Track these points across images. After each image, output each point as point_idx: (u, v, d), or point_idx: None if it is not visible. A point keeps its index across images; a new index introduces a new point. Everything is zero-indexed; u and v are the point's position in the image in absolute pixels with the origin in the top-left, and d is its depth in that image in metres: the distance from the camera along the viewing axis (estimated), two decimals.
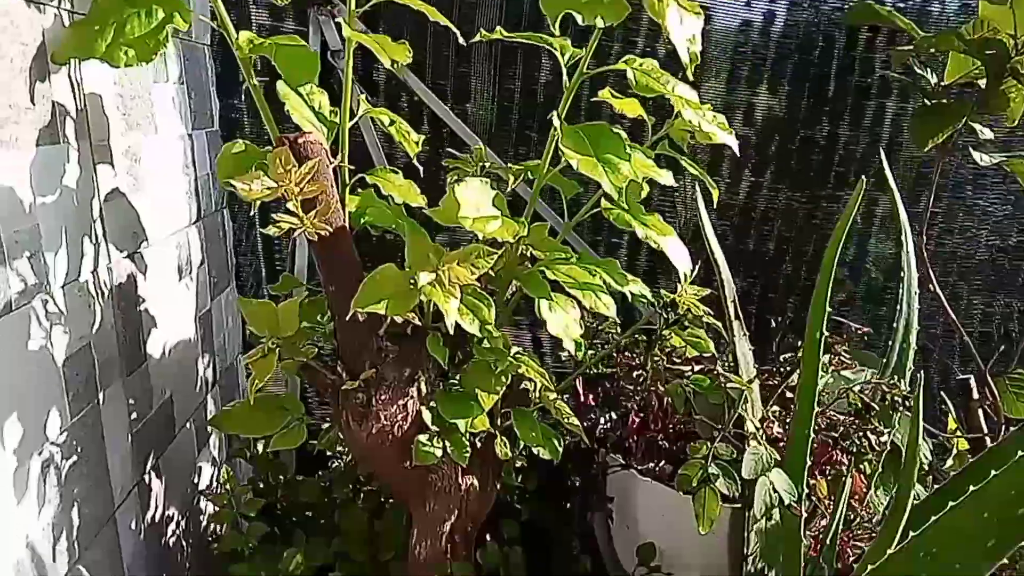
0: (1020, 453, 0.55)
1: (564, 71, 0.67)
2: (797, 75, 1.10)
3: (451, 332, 0.60)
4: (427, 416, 0.69)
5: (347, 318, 0.65)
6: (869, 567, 0.63)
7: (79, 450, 0.65)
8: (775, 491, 0.63)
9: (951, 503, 0.58)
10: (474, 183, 0.64)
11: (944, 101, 0.99)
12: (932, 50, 0.97)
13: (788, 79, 1.10)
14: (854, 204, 0.69)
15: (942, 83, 1.02)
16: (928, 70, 1.03)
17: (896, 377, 0.78)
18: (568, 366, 1.03)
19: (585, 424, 0.85)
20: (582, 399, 0.83)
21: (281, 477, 0.89)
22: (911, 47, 1.00)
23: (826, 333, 0.66)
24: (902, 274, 0.82)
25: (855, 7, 1.08)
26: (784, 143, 1.12)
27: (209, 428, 0.98)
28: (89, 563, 0.66)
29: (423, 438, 0.69)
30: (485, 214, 0.64)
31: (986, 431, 0.94)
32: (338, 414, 0.70)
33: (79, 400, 0.65)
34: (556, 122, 0.63)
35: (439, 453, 0.69)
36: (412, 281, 0.61)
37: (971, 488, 0.57)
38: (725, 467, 0.65)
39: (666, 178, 0.69)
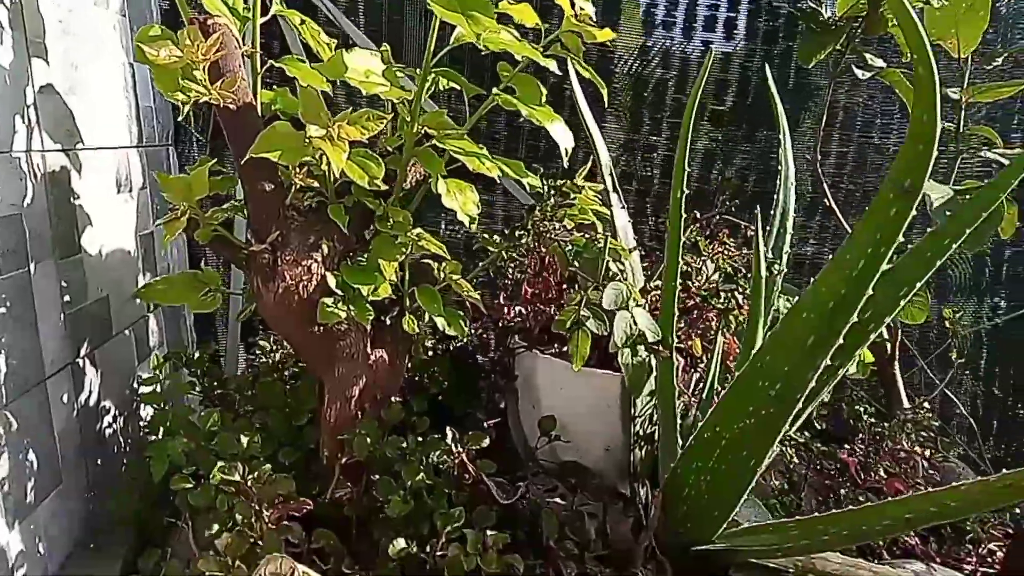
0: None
1: None
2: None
3: (337, 177, 0.67)
4: (331, 280, 0.76)
5: (257, 189, 0.72)
6: (726, 389, 0.69)
7: (8, 304, 0.71)
8: (635, 324, 0.69)
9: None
10: (363, 52, 0.71)
11: (829, 26, 1.09)
12: None
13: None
14: (698, 88, 0.75)
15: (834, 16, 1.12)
16: (822, 5, 1.13)
17: (774, 255, 0.85)
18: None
19: (492, 316, 0.92)
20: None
21: (215, 380, 0.95)
22: None
23: (686, 191, 0.72)
24: (780, 168, 0.89)
25: None
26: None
27: (151, 344, 1.04)
28: (16, 411, 0.72)
29: (328, 300, 0.75)
30: (374, 81, 0.71)
31: None
32: (250, 280, 0.76)
33: (8, 261, 0.72)
34: None
35: (342, 314, 0.75)
36: (307, 138, 0.68)
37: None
38: (595, 310, 0.71)
39: (541, 60, 0.76)
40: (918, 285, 0.67)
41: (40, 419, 0.77)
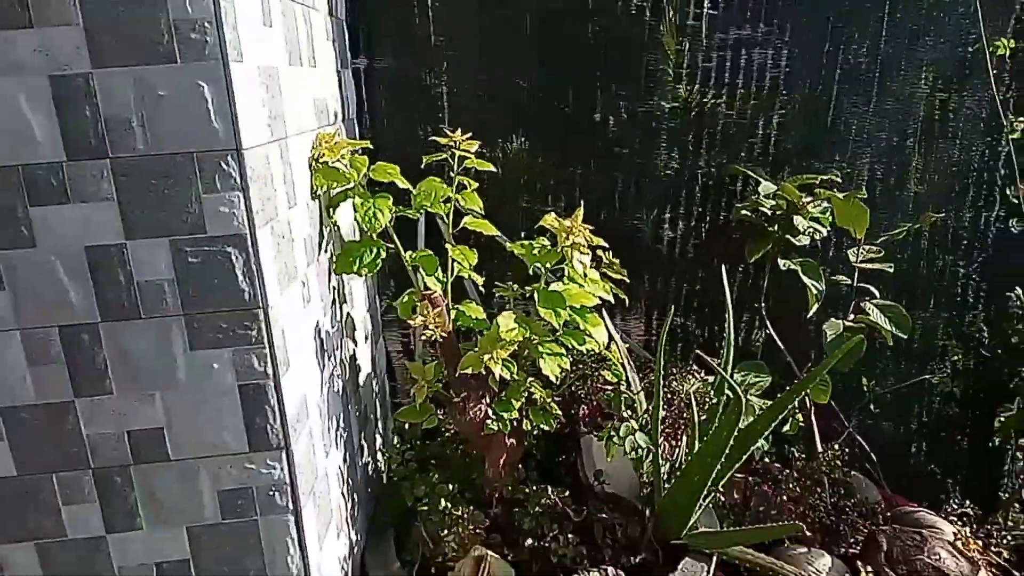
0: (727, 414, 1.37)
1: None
2: None
3: (498, 378, 1.46)
4: (491, 413, 1.55)
5: (456, 374, 1.51)
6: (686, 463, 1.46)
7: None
8: (636, 439, 1.46)
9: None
10: (508, 315, 1.49)
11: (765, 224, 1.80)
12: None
13: None
14: None
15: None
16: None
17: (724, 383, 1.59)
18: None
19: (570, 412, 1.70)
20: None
21: (419, 441, 1.77)
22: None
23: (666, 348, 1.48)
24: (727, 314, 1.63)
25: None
26: None
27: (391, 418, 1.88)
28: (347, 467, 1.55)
29: (489, 422, 1.55)
30: (511, 328, 1.49)
31: None
32: (451, 412, 1.57)
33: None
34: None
35: (496, 428, 1.54)
36: (481, 358, 1.46)
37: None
38: (620, 429, 1.48)
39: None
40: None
41: (369, 447, 1.60)
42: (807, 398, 1.85)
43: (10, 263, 1.04)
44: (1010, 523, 2.01)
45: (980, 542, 1.77)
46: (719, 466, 1.41)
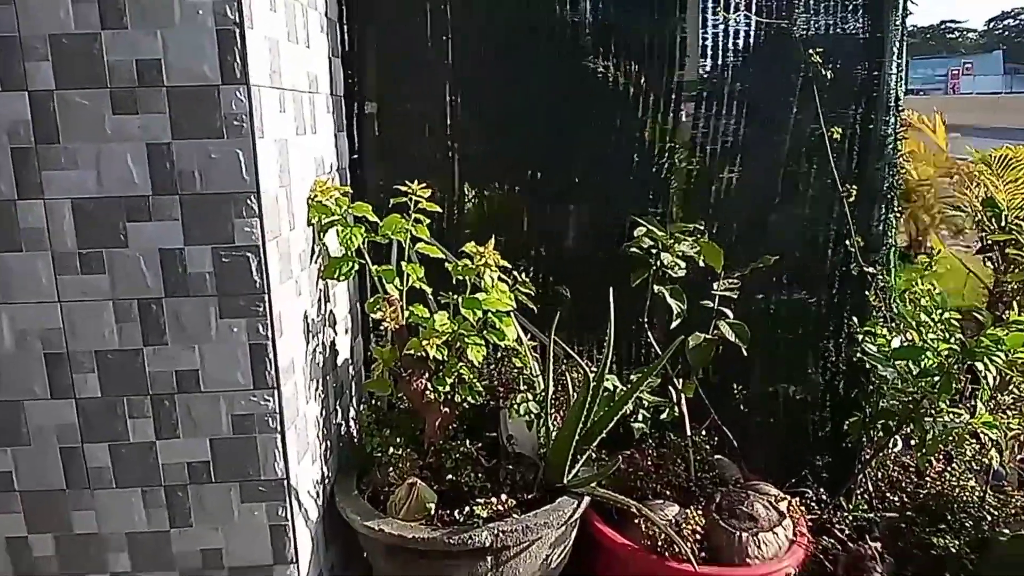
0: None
1: None
2: None
3: (434, 358, 2.05)
4: (429, 386, 2.13)
5: (401, 354, 2.10)
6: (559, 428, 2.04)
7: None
8: (531, 410, 2.04)
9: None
10: (443, 314, 2.08)
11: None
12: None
13: None
14: None
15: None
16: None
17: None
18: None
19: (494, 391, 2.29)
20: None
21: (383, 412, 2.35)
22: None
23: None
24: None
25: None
26: None
27: (359, 388, 2.47)
28: (337, 407, 2.14)
29: (428, 392, 2.13)
30: (444, 323, 2.08)
31: None
32: (401, 385, 2.15)
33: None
34: None
35: (432, 397, 2.12)
36: (422, 343, 2.05)
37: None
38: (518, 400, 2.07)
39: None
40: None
41: (343, 413, 2.19)
42: (682, 393, 2.42)
43: (111, 257, 1.66)
44: (852, 507, 2.56)
45: (803, 507, 2.32)
46: (583, 427, 1.98)
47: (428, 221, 2.15)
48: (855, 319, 2.56)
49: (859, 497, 2.61)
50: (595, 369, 2.24)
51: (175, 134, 1.61)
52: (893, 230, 2.59)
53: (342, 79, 2.46)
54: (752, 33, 2.51)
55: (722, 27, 2.49)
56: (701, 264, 2.40)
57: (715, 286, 2.40)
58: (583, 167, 2.56)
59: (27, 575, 1.81)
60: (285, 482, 1.79)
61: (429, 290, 2.22)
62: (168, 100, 1.60)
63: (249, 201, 1.65)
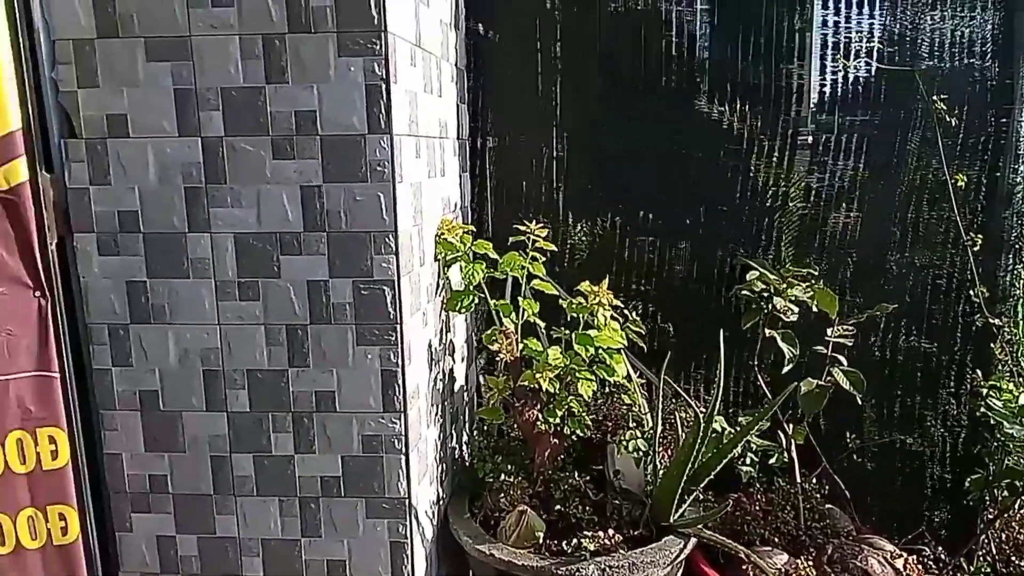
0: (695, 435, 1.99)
1: None
2: None
3: (546, 391, 2.13)
4: (540, 416, 2.22)
5: (515, 385, 2.20)
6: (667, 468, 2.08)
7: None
8: (640, 447, 2.08)
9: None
10: (556, 349, 2.17)
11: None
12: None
13: None
14: None
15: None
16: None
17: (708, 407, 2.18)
18: None
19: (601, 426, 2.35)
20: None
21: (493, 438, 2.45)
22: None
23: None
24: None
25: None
26: None
27: (470, 414, 2.58)
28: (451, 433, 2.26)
29: (539, 423, 2.21)
30: (557, 357, 2.17)
31: None
32: (513, 414, 2.25)
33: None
34: None
35: (543, 428, 2.20)
36: (535, 375, 2.14)
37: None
38: (627, 437, 2.11)
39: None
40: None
41: (456, 438, 2.31)
42: (792, 438, 2.40)
43: (265, 286, 1.84)
44: (973, 569, 2.45)
45: (921, 566, 2.24)
46: (691, 467, 2.01)
47: (544, 259, 2.26)
48: (978, 372, 2.47)
49: (981, 559, 2.49)
50: (703, 409, 2.27)
51: (325, 178, 1.79)
52: (1021, 281, 2.49)
53: (467, 124, 2.62)
54: (872, 78, 2.50)
55: (841, 73, 2.49)
56: (814, 310, 2.40)
57: (829, 332, 2.38)
58: (693, 208, 2.61)
59: (171, 572, 2.00)
60: (407, 501, 1.91)
61: (542, 324, 2.32)
62: (321, 147, 1.78)
63: (387, 239, 1.80)
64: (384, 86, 1.73)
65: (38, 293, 1.77)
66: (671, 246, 2.67)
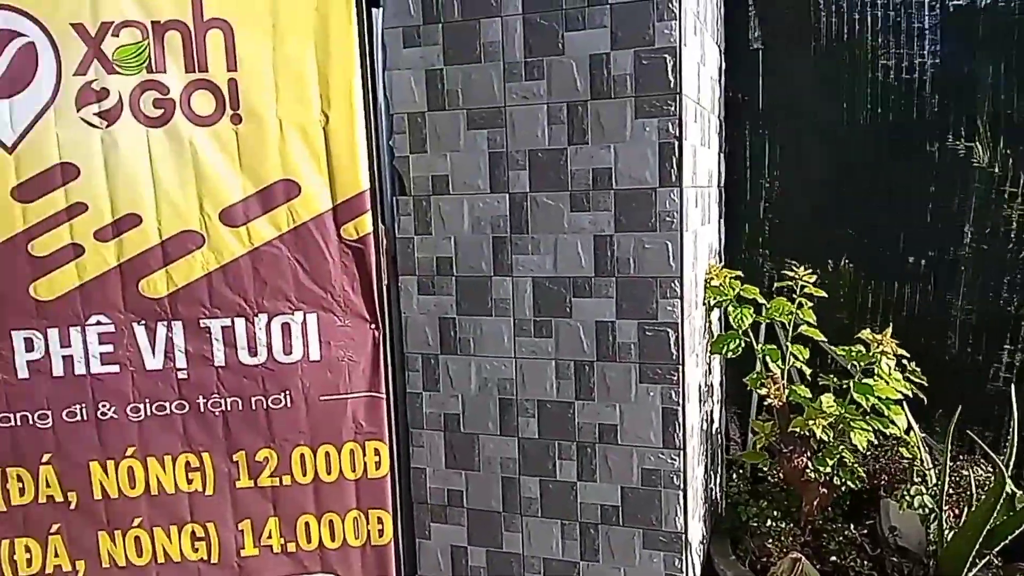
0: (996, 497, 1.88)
1: None
2: None
3: (819, 438, 2.13)
4: (810, 464, 2.21)
5: (787, 431, 2.21)
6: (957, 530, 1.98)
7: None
8: (926, 503, 2.00)
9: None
10: (829, 396, 2.16)
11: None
12: None
13: None
14: None
15: None
16: None
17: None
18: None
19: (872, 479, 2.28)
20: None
21: (748, 481, 2.46)
22: None
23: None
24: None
25: None
26: None
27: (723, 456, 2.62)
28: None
29: (808, 471, 2.20)
30: (831, 404, 2.15)
31: None
32: (779, 460, 2.26)
33: None
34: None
35: (812, 476, 2.19)
36: (807, 422, 2.14)
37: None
38: (911, 492, 2.03)
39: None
40: None
41: (714, 479, 2.36)
42: None
43: (557, 325, 2.04)
44: None
45: None
46: (986, 532, 1.90)
47: (811, 304, 2.26)
48: None
49: None
50: (991, 469, 2.13)
51: (617, 228, 1.95)
52: None
53: (724, 172, 2.71)
54: None
55: None
56: None
57: None
58: (962, 257, 2.48)
59: None
60: (683, 536, 1.99)
61: (808, 370, 2.31)
62: (614, 200, 1.95)
63: (673, 284, 1.93)
64: (677, 143, 1.88)
65: (373, 326, 2.10)
66: (939, 299, 2.55)
